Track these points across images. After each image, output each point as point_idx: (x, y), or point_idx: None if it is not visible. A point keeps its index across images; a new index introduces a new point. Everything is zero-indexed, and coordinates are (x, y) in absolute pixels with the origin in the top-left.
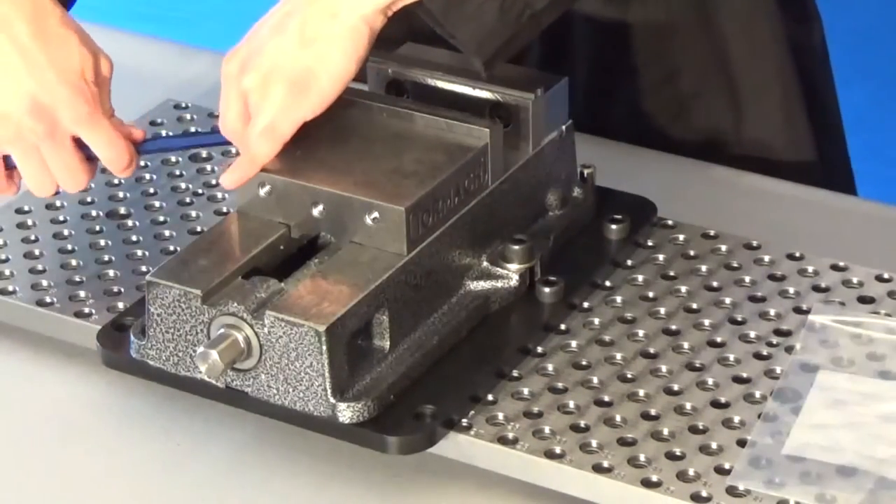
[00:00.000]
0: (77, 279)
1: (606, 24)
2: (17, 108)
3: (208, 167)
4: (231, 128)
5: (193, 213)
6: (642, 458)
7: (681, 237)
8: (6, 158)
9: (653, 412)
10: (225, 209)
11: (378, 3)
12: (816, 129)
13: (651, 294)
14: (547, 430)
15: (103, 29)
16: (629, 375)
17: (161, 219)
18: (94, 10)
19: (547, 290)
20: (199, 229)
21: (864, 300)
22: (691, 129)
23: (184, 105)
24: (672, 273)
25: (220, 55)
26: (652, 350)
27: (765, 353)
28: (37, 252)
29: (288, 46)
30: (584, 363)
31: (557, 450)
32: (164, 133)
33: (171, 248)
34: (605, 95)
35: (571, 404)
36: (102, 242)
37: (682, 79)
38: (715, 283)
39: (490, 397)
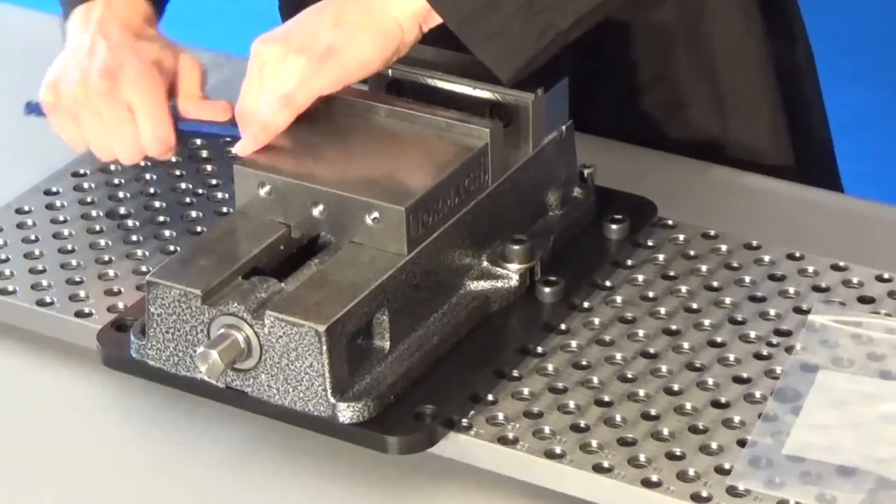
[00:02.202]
0: (77, 279)
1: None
2: (90, 72)
3: (208, 167)
4: (247, 107)
5: (193, 213)
6: (642, 458)
7: (681, 237)
8: None
9: (653, 412)
10: (225, 209)
11: (414, 9)
12: (802, 146)
13: (651, 294)
14: (547, 430)
15: None
16: (629, 375)
17: (161, 219)
18: None
19: (547, 290)
20: (199, 229)
21: (864, 300)
22: (676, 135)
23: None
24: (672, 273)
25: (220, 55)
26: (652, 350)
27: (765, 353)
28: (37, 252)
29: (319, 26)
30: (584, 363)
31: (557, 450)
32: None
33: (171, 248)
34: (590, 95)
35: (571, 404)
36: (102, 242)
37: (669, 86)
38: (715, 283)
39: (490, 397)
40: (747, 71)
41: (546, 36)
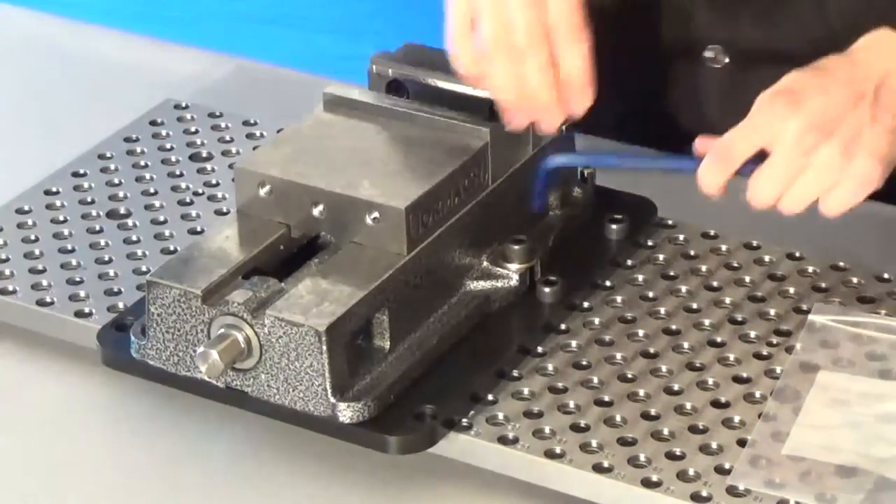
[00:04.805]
0: (77, 279)
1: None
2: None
3: (208, 167)
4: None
5: (193, 213)
6: (642, 458)
7: (681, 237)
8: None
9: (653, 412)
10: (225, 209)
11: None
12: None
13: (651, 294)
14: (547, 430)
15: (103, 29)
16: (629, 375)
17: (161, 219)
18: (95, 10)
19: (547, 290)
20: (199, 229)
21: (863, 300)
22: None
23: (184, 105)
24: (672, 273)
25: (220, 55)
26: (652, 350)
27: (765, 353)
28: (37, 252)
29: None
30: (584, 363)
31: (557, 450)
32: None
33: (171, 248)
34: None
35: (571, 404)
36: (102, 242)
37: None
38: (715, 283)
39: (490, 397)
40: None
41: None
